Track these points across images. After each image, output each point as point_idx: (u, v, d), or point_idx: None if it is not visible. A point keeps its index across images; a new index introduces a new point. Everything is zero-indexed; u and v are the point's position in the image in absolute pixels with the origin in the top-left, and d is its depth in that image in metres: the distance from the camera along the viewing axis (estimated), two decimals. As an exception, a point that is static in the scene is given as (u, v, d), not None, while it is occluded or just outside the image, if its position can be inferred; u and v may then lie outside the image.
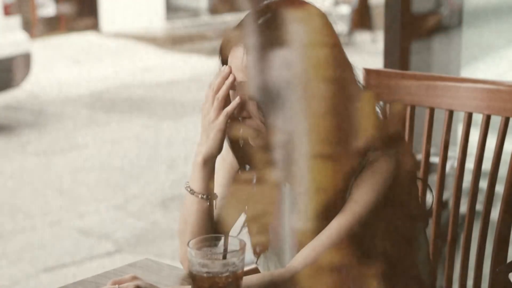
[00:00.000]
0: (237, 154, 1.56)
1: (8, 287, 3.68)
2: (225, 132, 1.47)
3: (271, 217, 1.57)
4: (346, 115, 1.41)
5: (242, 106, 1.45)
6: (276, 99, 1.39)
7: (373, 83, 1.87)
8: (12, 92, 7.20)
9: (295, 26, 1.40)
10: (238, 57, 1.43)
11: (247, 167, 1.57)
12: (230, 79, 1.45)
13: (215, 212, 1.56)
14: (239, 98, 1.45)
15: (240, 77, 1.44)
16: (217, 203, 1.58)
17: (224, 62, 1.48)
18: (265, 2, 1.46)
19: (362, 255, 1.44)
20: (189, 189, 1.52)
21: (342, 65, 1.44)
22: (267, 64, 1.39)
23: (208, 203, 1.51)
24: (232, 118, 1.50)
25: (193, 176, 1.51)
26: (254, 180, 1.57)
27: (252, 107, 1.44)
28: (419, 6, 2.75)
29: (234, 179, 1.59)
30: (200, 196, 1.51)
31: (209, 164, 1.50)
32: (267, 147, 1.48)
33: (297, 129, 1.40)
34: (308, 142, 1.39)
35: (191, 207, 1.52)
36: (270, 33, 1.39)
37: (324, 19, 1.44)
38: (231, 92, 1.47)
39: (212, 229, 1.54)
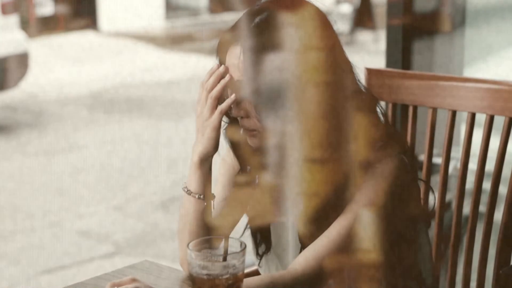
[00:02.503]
0: (237, 154, 1.55)
1: (7, 288, 3.68)
2: (220, 130, 1.46)
3: (273, 218, 1.56)
4: (344, 116, 1.40)
5: (239, 105, 1.44)
6: (273, 99, 1.38)
7: (374, 83, 1.86)
8: (9, 92, 7.19)
9: (293, 25, 1.39)
10: (235, 56, 1.42)
11: (248, 168, 1.56)
12: (227, 78, 1.44)
13: (216, 213, 1.55)
14: (234, 96, 1.44)
15: (237, 76, 1.43)
16: (219, 204, 1.56)
17: (221, 61, 1.47)
18: (263, 1, 1.45)
19: (363, 256, 1.43)
20: (186, 190, 1.51)
21: (341, 65, 1.43)
22: (264, 63, 1.38)
23: (205, 203, 1.50)
24: (230, 118, 1.49)
25: (190, 176, 1.50)
26: (256, 181, 1.56)
27: (249, 107, 1.43)
28: (421, 5, 2.73)
29: (235, 180, 1.58)
30: (197, 196, 1.50)
31: (205, 163, 1.49)
32: (265, 147, 1.47)
33: (294, 129, 1.39)
34: (305, 142, 1.38)
35: (189, 207, 1.51)
36: (267, 32, 1.38)
37: (323, 19, 1.42)
38: (229, 91, 1.46)
39: (211, 229, 1.52)
